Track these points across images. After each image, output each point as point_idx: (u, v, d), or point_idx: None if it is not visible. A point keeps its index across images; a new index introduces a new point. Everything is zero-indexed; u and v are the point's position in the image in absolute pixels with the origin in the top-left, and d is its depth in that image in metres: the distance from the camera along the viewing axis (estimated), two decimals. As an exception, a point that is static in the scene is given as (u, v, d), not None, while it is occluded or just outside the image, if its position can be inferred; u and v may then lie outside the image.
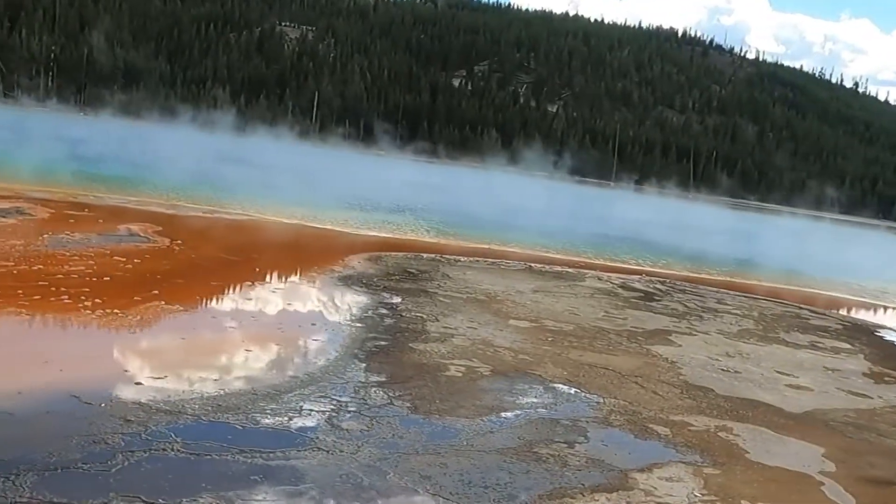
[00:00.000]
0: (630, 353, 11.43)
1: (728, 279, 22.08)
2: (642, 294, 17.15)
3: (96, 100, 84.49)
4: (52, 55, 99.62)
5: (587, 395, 9.04)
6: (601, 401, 8.90)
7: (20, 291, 9.99)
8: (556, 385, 9.26)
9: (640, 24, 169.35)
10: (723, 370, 11.11)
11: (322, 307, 11.98)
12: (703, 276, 21.99)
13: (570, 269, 19.23)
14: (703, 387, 10.06)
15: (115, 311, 9.78)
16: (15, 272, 11.00)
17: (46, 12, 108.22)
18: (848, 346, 14.52)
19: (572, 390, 9.16)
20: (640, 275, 20.16)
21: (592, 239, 26.56)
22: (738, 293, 19.36)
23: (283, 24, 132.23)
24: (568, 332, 12.17)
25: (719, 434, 8.31)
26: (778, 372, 11.52)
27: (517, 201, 37.04)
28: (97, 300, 10.03)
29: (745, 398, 9.81)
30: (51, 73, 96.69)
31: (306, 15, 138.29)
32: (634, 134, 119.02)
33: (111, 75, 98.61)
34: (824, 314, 18.24)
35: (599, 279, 18.38)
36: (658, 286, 18.57)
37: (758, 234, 44.09)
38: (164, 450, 6.10)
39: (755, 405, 9.57)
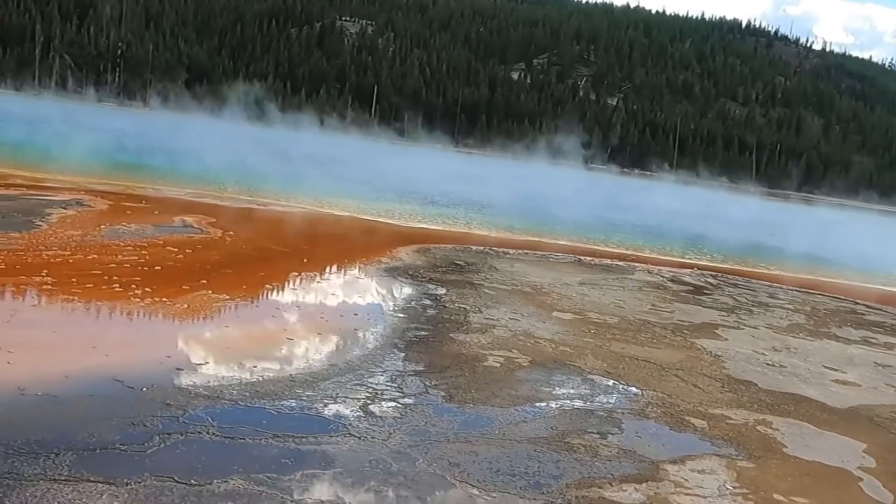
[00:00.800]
0: (674, 346, 11.35)
1: (783, 273, 21.69)
2: (692, 288, 16.98)
3: (161, 95, 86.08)
4: (120, 51, 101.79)
5: (625, 387, 9.02)
6: (639, 393, 8.87)
7: (74, 280, 10.32)
8: (594, 377, 9.25)
9: (702, 15, 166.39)
10: (767, 364, 10.97)
11: (366, 298, 12.13)
12: (757, 270, 21.65)
13: (620, 263, 19.11)
14: (746, 381, 9.95)
15: (164, 299, 10.05)
16: (71, 261, 11.36)
17: (113, 9, 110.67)
18: (903, 342, 14.20)
19: (610, 382, 9.15)
20: (692, 268, 19.92)
21: (646, 232, 26.33)
22: (791, 288, 19.02)
23: (343, 18, 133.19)
24: (612, 324, 12.13)
25: (757, 428, 8.23)
26: (825, 367, 11.33)
27: (570, 195, 36.86)
28: (147, 289, 10.31)
29: (787, 392, 9.68)
30: (118, 70, 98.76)
31: (366, 10, 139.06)
32: (696, 126, 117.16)
33: (176, 71, 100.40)
34: (881, 310, 17.82)
35: (649, 272, 18.24)
36: (709, 280, 18.35)
37: (820, 229, 43.17)
38: (199, 433, 6.28)
39: (798, 400, 9.45)
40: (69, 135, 32.98)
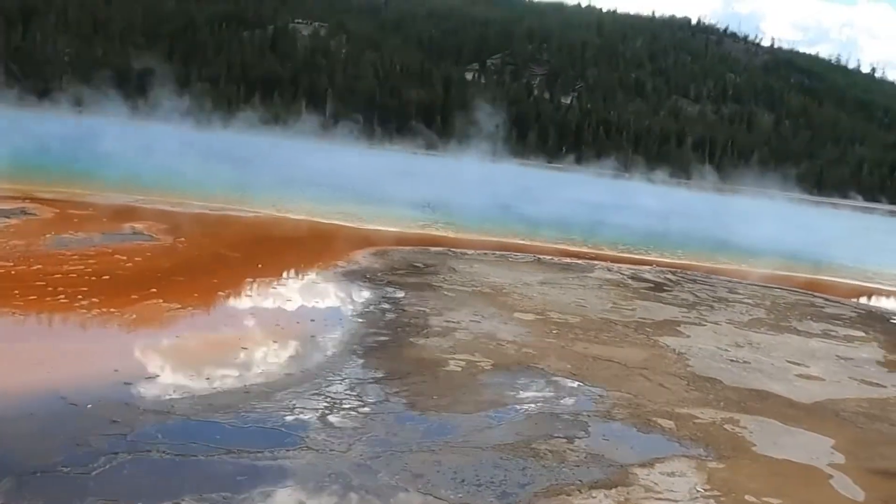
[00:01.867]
0: (637, 344, 11.21)
1: (740, 268, 21.79)
2: (652, 285, 16.91)
3: (111, 100, 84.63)
4: (67, 58, 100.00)
5: (590, 389, 8.84)
6: (604, 394, 8.70)
7: (16, 292, 9.89)
8: (558, 378, 9.06)
9: (653, 13, 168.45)
10: (732, 361, 10.88)
11: (323, 303, 11.82)
12: (714, 265, 21.70)
13: (579, 261, 19.00)
14: (711, 378, 9.84)
15: (112, 310, 9.67)
16: (13, 273, 10.91)
17: (59, 16, 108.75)
18: (862, 334, 14.24)
19: (575, 384, 8.97)
20: (651, 265, 19.90)
21: (604, 230, 26.31)
22: (750, 282, 19.08)
23: (295, 21, 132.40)
24: (574, 324, 11.97)
25: (725, 426, 8.10)
26: (789, 361, 11.28)
27: (534, 194, 36.84)
28: (94, 299, 9.92)
29: (753, 389, 9.59)
30: (64, 77, 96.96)
31: (318, 12, 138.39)
32: (650, 124, 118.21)
33: (125, 76, 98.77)
34: (839, 302, 17.92)
35: (609, 270, 18.15)
36: (669, 276, 18.31)
37: (774, 222, 43.62)
38: (148, 451, 5.97)
39: (764, 396, 9.35)
40: (11, 142, 32.13)
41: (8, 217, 15.12)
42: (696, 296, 16.05)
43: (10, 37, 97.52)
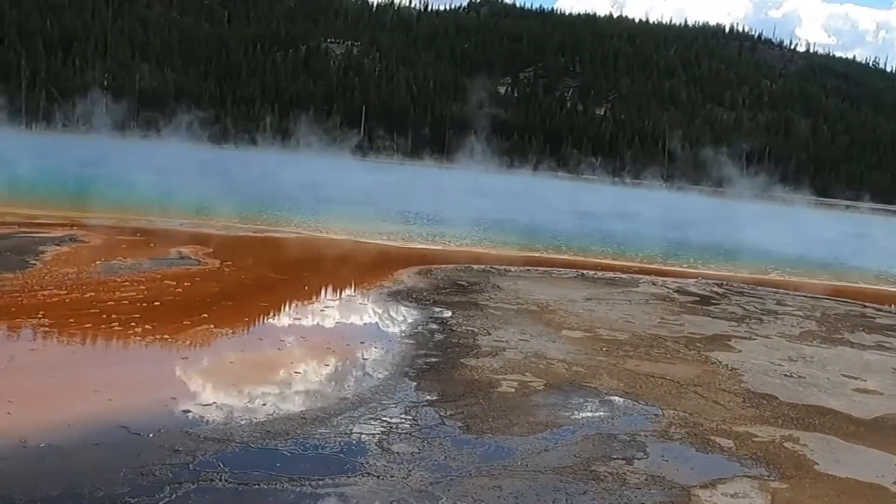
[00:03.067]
0: (688, 360, 11.10)
1: (787, 279, 21.53)
2: (699, 298, 16.75)
3: (149, 123, 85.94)
4: (105, 82, 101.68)
5: (645, 407, 8.76)
6: (660, 413, 8.61)
7: (72, 320, 10.04)
8: (612, 397, 8.99)
9: (685, 21, 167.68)
10: (786, 375, 10.71)
11: (371, 324, 11.86)
12: (761, 276, 21.48)
13: (623, 275, 18.90)
14: (766, 394, 9.69)
15: (165, 336, 9.77)
16: (67, 300, 11.08)
17: (98, 41, 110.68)
18: (917, 344, 13.96)
19: (629, 402, 8.89)
20: (696, 278, 19.73)
21: (648, 242, 26.17)
22: (798, 293, 18.84)
23: (328, 40, 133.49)
24: (623, 340, 11.88)
25: (785, 444, 7.97)
26: (844, 375, 11.08)
27: (569, 207, 36.72)
28: (147, 326, 10.03)
29: (810, 405, 9.43)
30: (105, 100, 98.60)
31: (350, 31, 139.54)
32: (684, 133, 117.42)
33: (163, 99, 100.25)
34: (890, 312, 17.62)
35: (654, 284, 18.01)
36: (715, 289, 18.13)
37: (817, 230, 43.09)
38: (211, 480, 5.99)
39: (822, 412, 9.19)
40: (59, 168, 32.73)
41: (59, 244, 15.38)
42: (745, 308, 15.87)
43: (50, 63, 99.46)
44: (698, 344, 12.17)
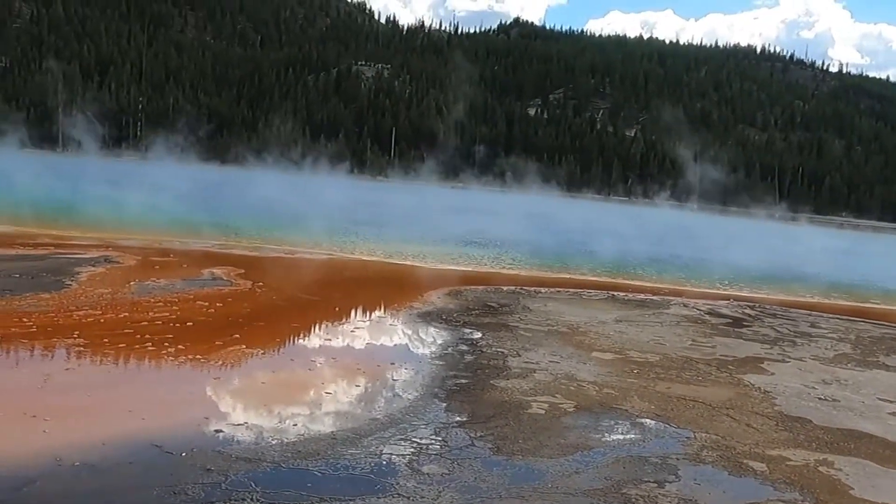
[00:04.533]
0: (720, 383, 11.00)
1: (820, 301, 21.29)
2: (731, 320, 16.61)
3: (181, 146, 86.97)
4: (140, 106, 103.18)
5: (676, 430, 8.69)
6: (691, 436, 8.54)
7: (106, 340, 10.17)
8: (643, 420, 8.94)
9: (716, 42, 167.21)
10: (820, 399, 10.58)
11: (402, 345, 11.89)
12: (794, 298, 21.26)
13: (654, 297, 18.80)
14: (800, 417, 9.58)
15: (197, 356, 9.87)
16: (102, 321, 11.23)
17: (134, 66, 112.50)
18: (955, 368, 13.72)
19: (661, 425, 8.82)
20: (728, 300, 19.58)
21: (676, 263, 26.03)
22: (832, 315, 18.61)
23: (359, 63, 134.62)
24: (654, 362, 11.81)
25: (820, 469, 7.87)
26: (880, 399, 10.92)
27: (597, 227, 36.62)
28: (180, 346, 10.14)
29: (845, 428, 9.30)
30: (139, 123, 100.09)
31: (381, 54, 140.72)
32: (715, 154, 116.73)
33: (196, 122, 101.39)
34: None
35: (685, 306, 17.89)
36: (747, 311, 17.97)
37: (851, 253, 42.63)
38: (243, 499, 6.03)
39: (857, 436, 9.06)
40: (92, 190, 33.21)
41: (94, 265, 15.59)
42: (778, 331, 15.71)
43: (87, 86, 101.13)
44: (730, 366, 12.07)
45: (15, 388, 8.25)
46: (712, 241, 38.63)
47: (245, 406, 8.32)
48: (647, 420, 8.95)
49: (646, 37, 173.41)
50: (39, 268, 14.84)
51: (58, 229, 20.95)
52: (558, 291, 18.23)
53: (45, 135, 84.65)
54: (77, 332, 10.33)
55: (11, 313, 11.08)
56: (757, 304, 19.15)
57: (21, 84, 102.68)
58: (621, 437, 8.40)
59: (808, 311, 18.90)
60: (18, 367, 9.00)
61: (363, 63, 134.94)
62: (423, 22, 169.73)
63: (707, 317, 16.75)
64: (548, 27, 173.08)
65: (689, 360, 12.20)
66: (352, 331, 12.67)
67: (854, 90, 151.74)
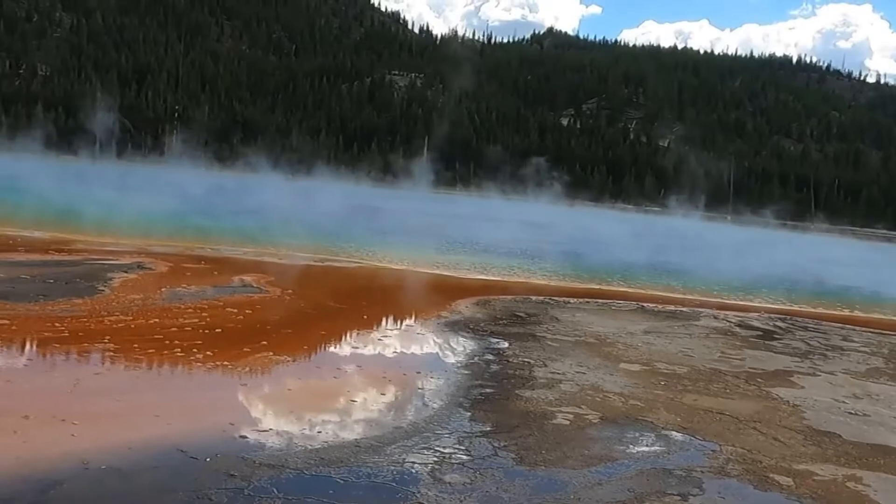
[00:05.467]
0: (748, 396, 10.90)
1: (855, 314, 21.03)
2: (761, 332, 16.45)
3: (217, 154, 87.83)
4: (176, 114, 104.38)
5: (702, 443, 8.63)
6: (717, 448, 8.47)
7: (136, 345, 10.30)
8: (668, 432, 8.88)
9: (751, 53, 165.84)
10: (850, 413, 10.45)
11: (428, 354, 11.92)
12: (827, 311, 21.01)
13: (684, 308, 18.67)
14: (829, 432, 9.46)
15: (225, 362, 9.96)
16: (133, 326, 11.37)
17: (170, 74, 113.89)
18: None
19: (686, 437, 8.76)
20: (759, 312, 19.40)
21: (709, 275, 25.83)
22: (865, 329, 18.37)
23: (392, 72, 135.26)
24: (682, 374, 11.73)
25: (847, 484, 7.77)
26: (912, 414, 10.76)
27: (623, 238, 36.46)
28: (208, 352, 10.25)
29: (875, 444, 9.17)
30: (175, 131, 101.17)
31: (415, 63, 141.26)
32: (750, 165, 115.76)
33: (231, 130, 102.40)
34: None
35: (715, 318, 17.76)
36: (778, 324, 17.79)
37: (886, 265, 42.05)
38: (265, 505, 6.09)
39: (887, 451, 8.94)
40: (127, 197, 33.64)
41: (126, 272, 15.80)
42: (809, 344, 15.54)
43: (124, 94, 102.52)
44: (759, 379, 11.95)
45: (46, 391, 8.39)
46: (745, 253, 38.26)
47: (270, 412, 8.39)
48: (673, 432, 8.90)
49: (680, 47, 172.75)
50: (74, 273, 15.07)
51: (93, 235, 21.25)
52: (587, 302, 18.18)
53: (84, 142, 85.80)
54: (108, 338, 10.48)
55: (45, 318, 11.26)
56: (788, 317, 18.95)
57: (60, 92, 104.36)
58: (646, 448, 8.35)
59: (841, 325, 18.67)
60: (50, 372, 9.15)
61: (396, 72, 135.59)
62: (455, 31, 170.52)
63: (737, 329, 16.61)
64: (581, 37, 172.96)
65: (717, 373, 12.10)
66: (378, 339, 12.72)
67: (892, 100, 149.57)
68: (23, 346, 9.96)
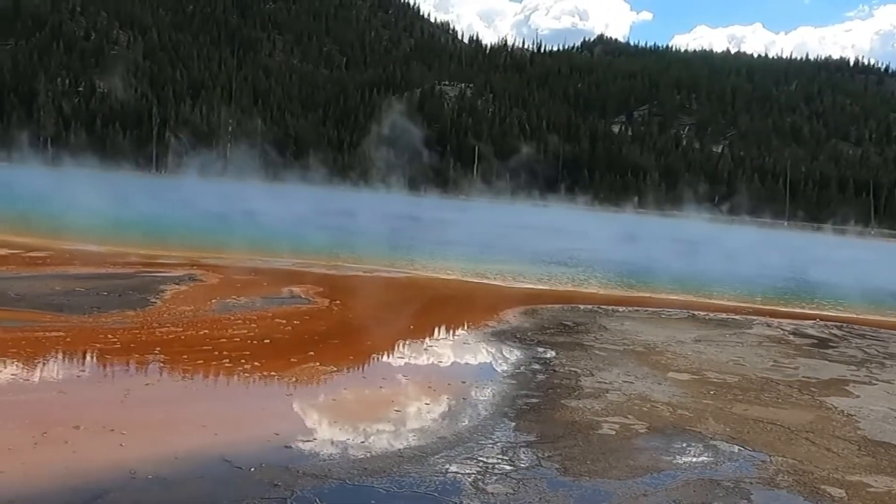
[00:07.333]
0: (801, 405, 10.68)
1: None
2: (816, 340, 16.12)
3: (270, 167, 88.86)
4: (230, 128, 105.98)
5: (752, 453, 8.46)
6: (767, 459, 8.30)
7: (185, 356, 10.45)
8: (716, 442, 8.73)
9: (806, 56, 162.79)
10: (907, 423, 10.17)
11: (473, 363, 11.90)
12: (885, 318, 20.51)
13: (736, 316, 18.38)
14: (885, 442, 9.22)
15: (272, 373, 10.05)
16: (183, 337, 11.55)
17: (224, 89, 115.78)
18: None
19: (735, 448, 8.60)
20: (815, 319, 19.01)
21: (764, 282, 25.42)
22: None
23: (442, 83, 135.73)
24: (732, 384, 11.54)
25: (903, 496, 7.56)
26: (972, 424, 10.43)
27: (683, 247, 36.05)
28: (256, 363, 10.35)
29: (933, 455, 8.92)
30: (228, 145, 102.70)
31: (464, 73, 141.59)
32: (807, 170, 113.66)
33: (283, 143, 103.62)
34: None
35: (768, 326, 17.45)
36: (834, 331, 17.42)
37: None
38: (307, 515, 6.12)
39: (945, 463, 8.68)
40: (180, 210, 34.22)
41: (178, 283, 16.06)
42: (865, 352, 15.17)
43: (179, 109, 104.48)
44: (813, 388, 11.70)
45: (96, 402, 8.54)
46: (799, 259, 37.58)
47: (315, 423, 8.45)
48: (721, 442, 8.74)
49: (733, 51, 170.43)
50: (127, 286, 15.35)
51: (147, 248, 21.66)
52: (636, 310, 18.00)
53: (141, 157, 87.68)
54: (158, 349, 10.65)
55: (98, 330, 11.50)
56: (845, 325, 18.55)
57: (118, 108, 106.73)
58: (693, 459, 8.22)
59: (900, 332, 18.21)
60: (101, 383, 9.31)
61: (446, 83, 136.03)
62: (505, 41, 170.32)
63: (791, 337, 16.30)
64: (632, 43, 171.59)
65: (769, 382, 11.88)
66: (424, 349, 12.74)
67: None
68: (76, 358, 10.16)
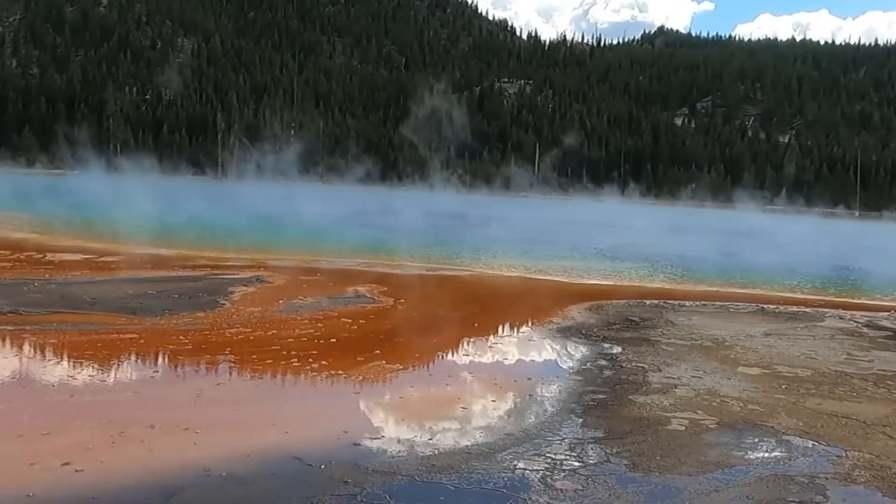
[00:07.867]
0: (877, 399, 10.41)
1: None
2: (892, 333, 15.68)
3: (332, 168, 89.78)
4: (292, 131, 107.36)
5: (826, 448, 8.28)
6: (843, 454, 8.11)
7: (255, 356, 10.64)
8: (789, 437, 8.56)
9: (875, 41, 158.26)
10: None
11: (540, 360, 11.87)
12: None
13: (807, 309, 17.99)
14: (966, 436, 8.94)
15: (339, 371, 10.17)
16: (252, 338, 11.76)
17: (286, 93, 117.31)
18: None
19: (809, 443, 8.43)
20: (890, 311, 18.50)
21: (836, 274, 24.85)
22: None
23: (501, 80, 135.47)
24: (804, 378, 11.30)
25: None
26: None
27: (751, 240, 35.43)
28: (323, 362, 10.48)
29: None
30: (291, 148, 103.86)
31: (523, 70, 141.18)
32: (878, 158, 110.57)
33: (345, 145, 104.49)
34: None
35: (841, 318, 17.04)
36: (910, 323, 16.93)
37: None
38: (377, 511, 6.18)
39: None
40: (246, 213, 34.77)
41: (246, 285, 16.35)
42: (944, 344, 14.73)
43: (243, 114, 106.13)
44: (889, 382, 11.40)
45: (171, 402, 8.75)
46: (873, 249, 36.64)
47: (382, 420, 8.52)
48: (795, 437, 8.58)
49: (798, 39, 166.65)
50: (197, 288, 15.68)
51: (214, 251, 22.09)
52: (704, 304, 17.74)
53: (207, 162, 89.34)
54: (228, 349, 10.86)
55: (170, 332, 11.77)
56: (922, 316, 18.01)
57: (183, 115, 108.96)
58: (765, 454, 8.08)
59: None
60: (174, 383, 9.54)
61: (506, 80, 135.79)
62: (564, 36, 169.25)
63: (865, 329, 15.89)
64: (694, 34, 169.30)
65: (842, 375, 11.60)
66: (490, 346, 12.74)
67: None
68: (150, 359, 10.41)
